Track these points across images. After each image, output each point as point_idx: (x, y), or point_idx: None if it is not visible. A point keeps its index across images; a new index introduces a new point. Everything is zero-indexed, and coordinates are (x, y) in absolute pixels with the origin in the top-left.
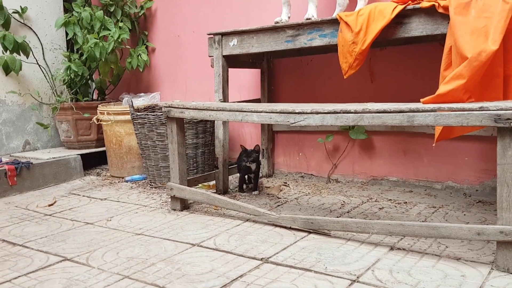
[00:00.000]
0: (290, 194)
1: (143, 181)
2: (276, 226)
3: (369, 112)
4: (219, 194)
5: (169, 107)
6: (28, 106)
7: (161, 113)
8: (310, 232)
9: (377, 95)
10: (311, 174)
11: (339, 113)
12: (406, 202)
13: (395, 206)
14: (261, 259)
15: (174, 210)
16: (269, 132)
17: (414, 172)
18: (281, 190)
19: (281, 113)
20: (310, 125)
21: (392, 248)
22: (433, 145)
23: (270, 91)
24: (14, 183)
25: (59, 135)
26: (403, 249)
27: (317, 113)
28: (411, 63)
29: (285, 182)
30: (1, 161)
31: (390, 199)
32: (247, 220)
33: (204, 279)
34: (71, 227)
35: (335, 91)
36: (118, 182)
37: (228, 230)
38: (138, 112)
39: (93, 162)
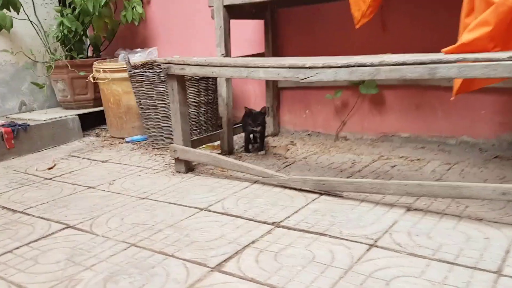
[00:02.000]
0: (298, 154)
1: (144, 141)
2: (286, 188)
3: (387, 64)
4: (224, 154)
5: (169, 63)
6: (22, 65)
7: (160, 70)
8: (321, 194)
9: (391, 48)
10: (319, 132)
11: (354, 66)
12: (419, 159)
13: (408, 164)
14: (273, 224)
15: (179, 172)
16: (274, 89)
17: (427, 127)
18: (288, 150)
19: (290, 68)
20: (321, 81)
21: (408, 209)
22: (452, 98)
23: (275, 44)
24: (12, 146)
25: (55, 95)
26: (420, 209)
27: (330, 67)
28: (427, 11)
29: (291, 141)
30: None
31: (402, 156)
32: (255, 182)
33: (214, 246)
34: (72, 191)
35: (345, 43)
36: (119, 143)
37: (236, 193)
38: (136, 69)
39: (92, 122)
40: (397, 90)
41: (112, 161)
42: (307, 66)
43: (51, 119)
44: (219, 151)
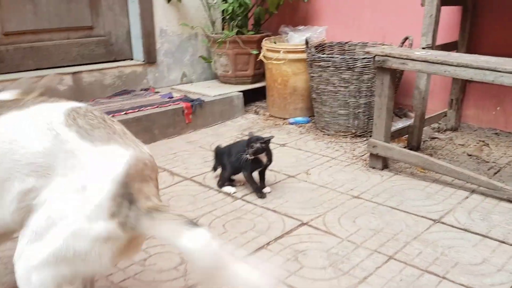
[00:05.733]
0: (496, 157)
1: (308, 124)
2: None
3: None
4: (411, 149)
5: (386, 56)
6: (186, 36)
7: (341, 57)
8: None
9: None
10: (509, 132)
11: None
12: None
13: None
14: None
15: (373, 168)
16: (463, 80)
17: None
18: (482, 151)
19: None
20: None
21: None
22: None
23: (471, 34)
24: (190, 121)
25: (211, 68)
26: None
27: None
28: None
29: (481, 141)
30: (172, 97)
31: None
32: (473, 191)
33: (484, 272)
34: (275, 179)
35: None
36: (282, 124)
37: (460, 204)
38: (320, 53)
39: (248, 99)
40: None
41: (290, 146)
42: None
43: (220, 95)
44: (404, 145)
